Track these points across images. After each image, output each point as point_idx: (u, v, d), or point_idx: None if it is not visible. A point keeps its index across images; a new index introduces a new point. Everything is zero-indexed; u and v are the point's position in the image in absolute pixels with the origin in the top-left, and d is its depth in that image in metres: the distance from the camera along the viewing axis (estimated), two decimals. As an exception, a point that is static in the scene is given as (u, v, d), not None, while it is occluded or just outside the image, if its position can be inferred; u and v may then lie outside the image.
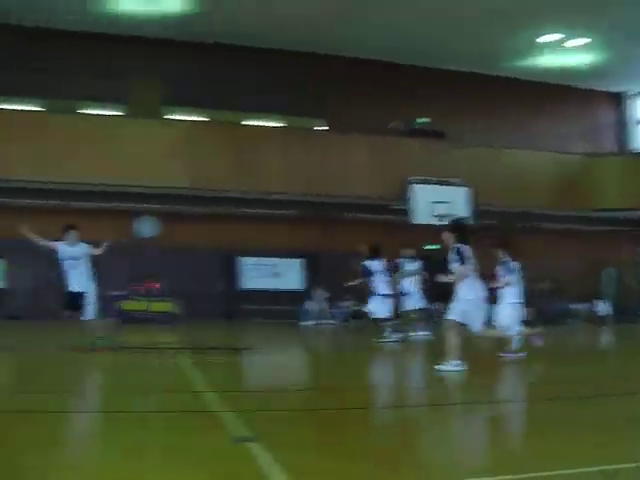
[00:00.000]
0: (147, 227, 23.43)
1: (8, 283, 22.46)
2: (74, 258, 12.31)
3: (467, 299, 9.71)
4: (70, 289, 12.44)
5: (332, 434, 5.90)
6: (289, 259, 24.02)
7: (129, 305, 21.93)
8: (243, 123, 25.06)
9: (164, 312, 21.93)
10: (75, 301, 12.33)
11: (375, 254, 15.82)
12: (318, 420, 6.61)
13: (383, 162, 23.19)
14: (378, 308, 15.61)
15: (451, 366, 9.50)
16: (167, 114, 24.49)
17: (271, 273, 23.91)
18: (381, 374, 11.23)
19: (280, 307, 22.87)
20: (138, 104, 23.75)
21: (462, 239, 9.98)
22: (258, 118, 25.43)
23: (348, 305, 22.49)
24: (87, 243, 12.59)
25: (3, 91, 23.75)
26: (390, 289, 15.88)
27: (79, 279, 12.34)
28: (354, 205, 23.31)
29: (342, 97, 25.34)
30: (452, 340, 9.68)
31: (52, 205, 22.47)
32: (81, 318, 12.34)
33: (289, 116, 25.90)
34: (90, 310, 12.27)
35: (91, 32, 23.28)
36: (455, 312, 9.77)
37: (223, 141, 22.29)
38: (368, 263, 15.84)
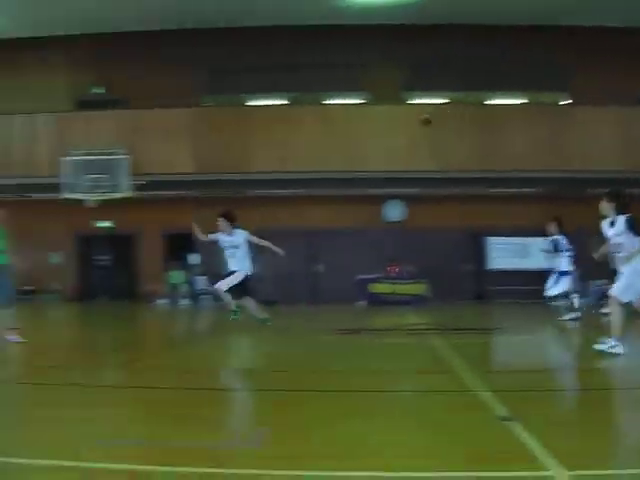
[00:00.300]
0: (394, 211, 23.88)
1: (264, 269, 23.72)
2: (234, 246, 12.78)
3: (635, 273, 8.87)
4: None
5: (588, 414, 5.82)
6: (537, 238, 23.42)
7: (377, 288, 22.38)
8: (485, 102, 24.77)
9: (411, 294, 22.19)
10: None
11: (561, 229, 15.16)
12: (571, 400, 6.54)
13: (633, 133, 22.08)
14: (553, 285, 15.11)
15: (608, 345, 8.85)
16: (408, 99, 24.69)
17: (519, 252, 23.45)
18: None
19: (529, 287, 22.39)
20: (379, 91, 24.17)
21: (623, 209, 9.07)
22: (500, 96, 25.03)
23: (603, 284, 21.55)
24: (242, 229, 13.00)
25: (252, 89, 25.14)
26: (571, 266, 15.21)
27: (238, 264, 12.77)
28: (602, 180, 22.35)
29: (585, 69, 24.30)
30: (615, 317, 8.97)
31: (297, 194, 23.54)
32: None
33: (532, 92, 25.29)
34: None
35: (326, 24, 23.90)
36: (621, 290, 8.90)
37: (466, 122, 22.15)
38: (559, 238, 15.11)
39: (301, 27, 24.05)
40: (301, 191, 23.22)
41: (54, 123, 22.74)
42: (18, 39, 24.63)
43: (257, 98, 25.40)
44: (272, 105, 24.68)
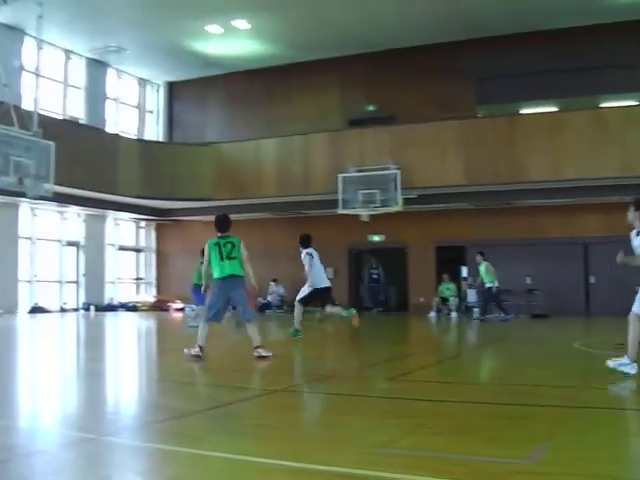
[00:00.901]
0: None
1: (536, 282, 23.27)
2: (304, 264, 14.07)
3: None
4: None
5: None
6: None
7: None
8: None
9: None
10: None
11: None
12: None
13: None
14: None
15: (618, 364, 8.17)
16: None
17: None
18: None
19: None
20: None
21: None
22: None
23: None
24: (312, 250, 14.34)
25: (522, 96, 24.75)
26: None
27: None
28: None
29: None
30: (630, 334, 8.26)
31: (569, 203, 22.85)
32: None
33: None
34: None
35: (597, 24, 22.96)
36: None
37: None
38: None
39: (570, 29, 23.37)
40: (574, 200, 22.53)
41: (329, 142, 23.78)
42: (296, 64, 26.08)
43: (528, 106, 24.99)
44: (543, 112, 24.12)
